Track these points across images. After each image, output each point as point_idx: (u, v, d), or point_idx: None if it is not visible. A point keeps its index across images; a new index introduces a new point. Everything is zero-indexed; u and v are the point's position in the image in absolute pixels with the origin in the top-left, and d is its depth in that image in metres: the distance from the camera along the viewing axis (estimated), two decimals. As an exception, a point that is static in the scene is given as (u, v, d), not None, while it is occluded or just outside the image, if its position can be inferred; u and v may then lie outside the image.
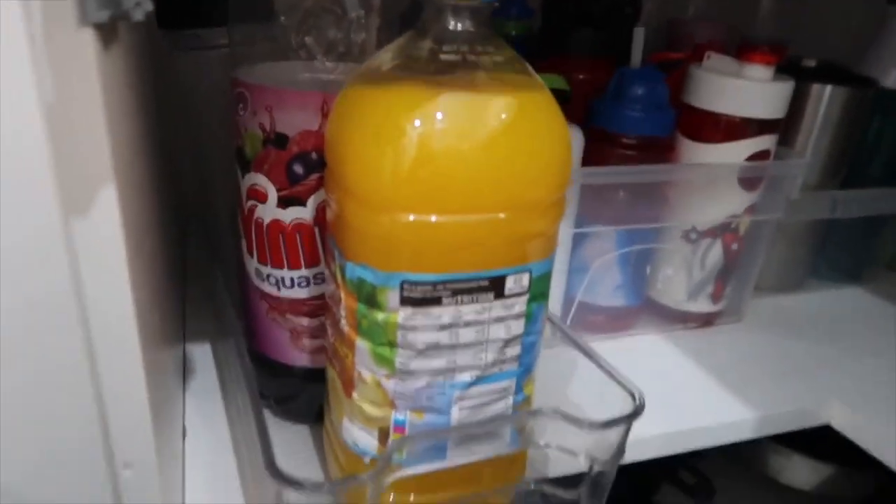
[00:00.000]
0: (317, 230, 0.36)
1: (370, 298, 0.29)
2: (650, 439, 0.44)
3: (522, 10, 0.69)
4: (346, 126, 0.29)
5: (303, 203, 0.36)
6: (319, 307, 0.38)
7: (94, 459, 0.23)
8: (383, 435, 0.31)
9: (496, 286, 0.29)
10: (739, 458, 0.78)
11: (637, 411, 0.30)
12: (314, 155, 0.35)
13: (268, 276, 0.38)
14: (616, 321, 0.54)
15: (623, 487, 0.73)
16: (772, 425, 0.48)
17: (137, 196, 0.28)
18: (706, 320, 0.57)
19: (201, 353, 0.49)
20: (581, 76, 0.56)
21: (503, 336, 0.30)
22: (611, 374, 0.32)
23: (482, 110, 0.27)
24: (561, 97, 0.51)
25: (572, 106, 0.53)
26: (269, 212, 0.37)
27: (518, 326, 0.30)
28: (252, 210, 0.38)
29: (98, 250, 0.21)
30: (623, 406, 0.31)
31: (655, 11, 0.79)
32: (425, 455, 0.30)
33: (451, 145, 0.27)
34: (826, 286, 0.67)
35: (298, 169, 0.35)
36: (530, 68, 0.29)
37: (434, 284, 0.28)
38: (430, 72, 0.28)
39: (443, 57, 0.28)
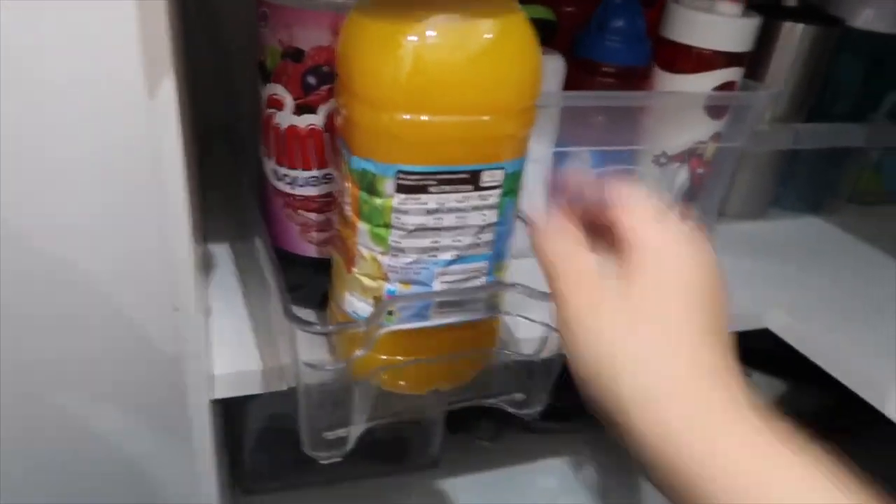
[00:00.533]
0: (327, 135, 0.42)
1: (371, 186, 0.35)
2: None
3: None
4: (355, 40, 0.34)
5: (315, 111, 0.42)
6: (326, 204, 0.44)
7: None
8: (378, 303, 0.38)
9: (474, 179, 0.35)
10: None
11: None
12: (326, 68, 0.40)
13: (284, 175, 0.44)
14: (590, 235, 0.60)
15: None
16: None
17: (181, 90, 0.34)
18: (672, 237, 0.63)
19: (220, 251, 0.55)
20: (569, 8, 0.61)
21: (479, 223, 0.36)
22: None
23: (466, 29, 0.33)
24: (547, 28, 0.56)
25: (559, 36, 0.58)
26: (286, 118, 0.42)
27: (492, 216, 0.36)
28: (271, 117, 0.43)
29: (161, 130, 0.27)
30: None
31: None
32: (410, 318, 0.37)
33: (440, 57, 0.32)
34: (788, 215, 0.73)
35: (312, 80, 0.41)
36: None
37: (423, 174, 0.34)
38: None
39: None
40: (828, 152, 0.69)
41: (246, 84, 0.46)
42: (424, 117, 0.33)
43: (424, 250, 0.36)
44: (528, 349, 0.42)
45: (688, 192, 0.61)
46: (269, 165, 0.45)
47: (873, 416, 0.48)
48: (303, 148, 0.43)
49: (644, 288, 0.29)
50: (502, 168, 0.35)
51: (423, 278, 0.37)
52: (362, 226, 0.36)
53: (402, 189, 0.35)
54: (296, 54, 0.40)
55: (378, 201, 0.35)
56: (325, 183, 0.44)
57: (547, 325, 0.39)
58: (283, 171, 0.44)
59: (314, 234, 0.45)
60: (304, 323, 0.31)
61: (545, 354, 0.40)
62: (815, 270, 0.63)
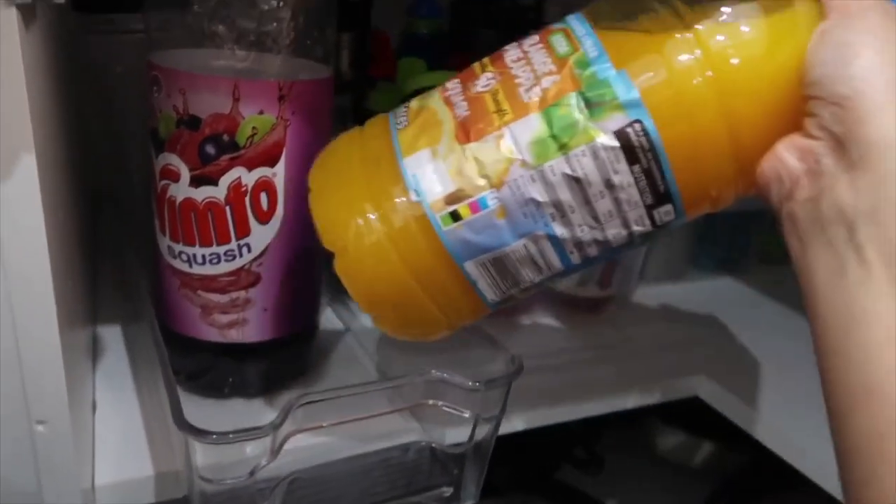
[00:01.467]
0: (228, 209, 0.38)
1: (595, 105, 0.28)
2: (540, 410, 0.48)
3: (432, 9, 0.72)
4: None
5: (214, 182, 0.38)
6: (230, 283, 0.40)
7: (8, 414, 0.25)
8: (453, 197, 0.30)
9: None
10: (632, 438, 0.84)
11: (516, 371, 0.34)
12: (225, 137, 0.37)
13: (179, 253, 0.40)
14: (514, 307, 0.58)
15: (527, 467, 0.77)
16: (648, 396, 0.53)
17: (53, 169, 0.30)
18: (595, 305, 0.62)
19: (111, 334, 0.50)
20: (484, 75, 0.60)
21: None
22: (492, 341, 0.36)
23: None
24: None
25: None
26: (181, 190, 0.38)
27: None
28: (165, 189, 0.39)
29: (18, 214, 0.23)
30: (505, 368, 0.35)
31: (559, 16, 0.84)
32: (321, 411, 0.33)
33: None
34: (706, 276, 0.74)
35: (210, 149, 0.37)
36: None
37: None
38: None
39: None
40: (739, 213, 0.71)
41: (138, 151, 0.42)
42: None
43: (547, 213, 0.29)
44: (457, 438, 0.38)
45: (609, 257, 0.60)
46: (164, 242, 0.40)
47: (795, 474, 0.49)
48: (201, 222, 0.39)
49: None
50: None
51: (521, 228, 0.30)
52: (539, 121, 0.29)
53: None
54: (192, 122, 0.37)
55: (584, 119, 0.28)
56: (228, 260, 0.40)
57: (475, 414, 0.36)
58: (179, 248, 0.40)
59: (217, 317, 0.41)
60: (199, 433, 0.27)
61: (477, 439, 0.37)
62: (734, 332, 0.63)
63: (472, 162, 0.29)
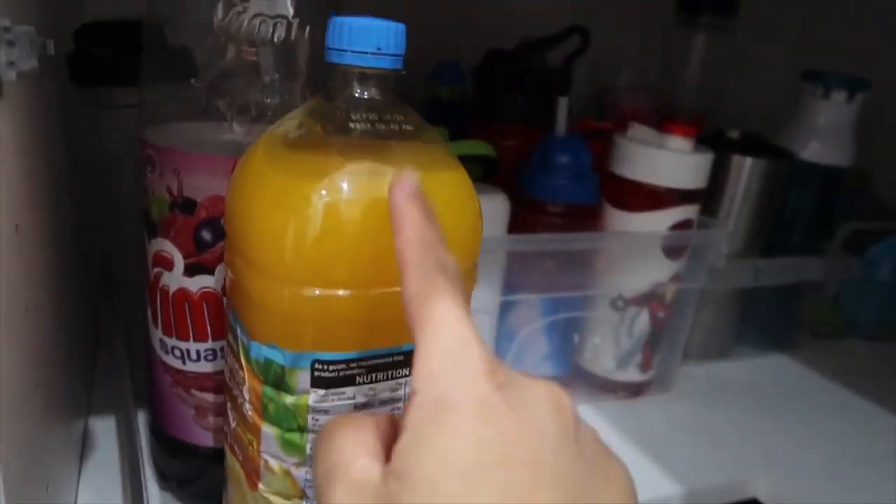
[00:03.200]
0: (225, 300, 0.34)
1: (278, 381, 0.27)
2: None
3: (455, 75, 0.69)
4: (249, 193, 0.27)
5: (210, 272, 0.34)
6: (226, 384, 0.36)
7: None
8: None
9: (411, 361, 0.28)
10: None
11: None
12: (223, 221, 0.33)
13: (172, 348, 0.36)
14: (545, 390, 0.53)
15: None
16: (700, 500, 0.47)
17: (21, 258, 0.26)
18: (635, 390, 0.56)
19: (105, 429, 0.45)
20: (511, 143, 0.57)
21: None
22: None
23: (387, 182, 0.26)
24: (489, 164, 0.52)
25: (502, 172, 0.53)
26: (175, 280, 0.35)
27: None
28: (158, 277, 0.35)
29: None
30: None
31: (588, 80, 0.81)
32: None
33: (355, 217, 0.25)
34: (752, 354, 0.68)
35: (206, 235, 0.34)
36: (439, 137, 0.29)
37: (347, 363, 0.27)
38: (337, 140, 0.27)
39: (350, 125, 0.27)
40: (787, 287, 0.65)
41: (134, 231, 0.38)
42: (342, 292, 0.26)
43: None
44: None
45: (649, 338, 0.55)
46: (156, 335, 0.37)
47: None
48: (196, 315, 0.35)
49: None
50: None
51: None
52: (268, 430, 0.28)
53: (320, 383, 0.27)
54: (187, 205, 0.33)
55: (288, 399, 0.27)
56: (224, 358, 0.35)
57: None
58: (172, 342, 0.36)
59: (211, 419, 0.37)
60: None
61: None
62: (790, 418, 0.57)
63: (273, 497, 0.29)
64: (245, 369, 0.28)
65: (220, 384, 0.36)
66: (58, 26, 0.38)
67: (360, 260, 0.26)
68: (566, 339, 0.53)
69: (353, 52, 0.25)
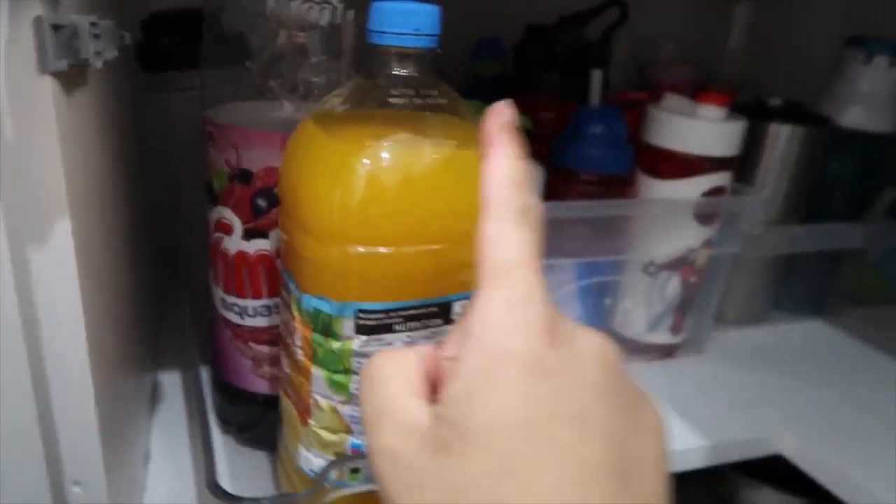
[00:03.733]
0: (279, 261, 0.38)
1: (326, 328, 0.31)
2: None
3: (496, 50, 0.71)
4: (300, 165, 0.31)
5: (266, 236, 0.38)
6: (280, 335, 0.40)
7: (39, 474, 0.24)
8: (338, 461, 0.32)
9: (444, 312, 0.31)
10: (714, 493, 0.79)
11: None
12: (276, 190, 0.37)
13: (232, 305, 0.40)
14: (579, 351, 0.56)
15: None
16: (725, 454, 0.49)
17: (100, 230, 0.30)
18: (667, 352, 0.58)
19: (172, 382, 0.50)
20: (548, 116, 0.59)
21: None
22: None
23: (424, 152, 0.29)
24: (524, 136, 0.54)
25: (538, 144, 0.55)
26: (234, 244, 0.38)
27: None
28: (219, 242, 0.39)
29: (52, 278, 0.23)
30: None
31: (628, 55, 0.82)
32: (368, 475, 0.32)
33: (395, 183, 0.29)
34: (788, 319, 0.69)
35: (262, 203, 0.37)
36: (471, 110, 0.31)
37: (387, 312, 0.30)
38: (378, 113, 0.30)
39: (390, 100, 0.30)
40: (826, 253, 0.66)
41: (195, 204, 0.42)
42: (383, 249, 0.29)
43: None
44: None
45: (681, 302, 0.57)
46: (218, 294, 0.41)
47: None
48: (253, 275, 0.39)
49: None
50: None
51: None
52: (317, 372, 0.32)
53: (363, 330, 0.30)
54: (244, 176, 0.37)
55: (335, 344, 0.31)
56: (278, 313, 0.39)
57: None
58: (232, 300, 0.40)
59: (267, 369, 0.41)
60: (232, 498, 0.26)
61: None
62: (822, 382, 0.58)
63: (322, 431, 0.33)
64: (297, 319, 0.31)
65: (275, 337, 0.40)
66: (125, 18, 0.42)
67: (399, 221, 0.29)
68: (599, 303, 0.55)
69: (392, 33, 0.28)
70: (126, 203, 0.39)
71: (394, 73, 0.30)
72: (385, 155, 0.29)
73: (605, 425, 0.19)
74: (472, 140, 0.31)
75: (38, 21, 0.22)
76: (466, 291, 0.31)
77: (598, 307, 0.55)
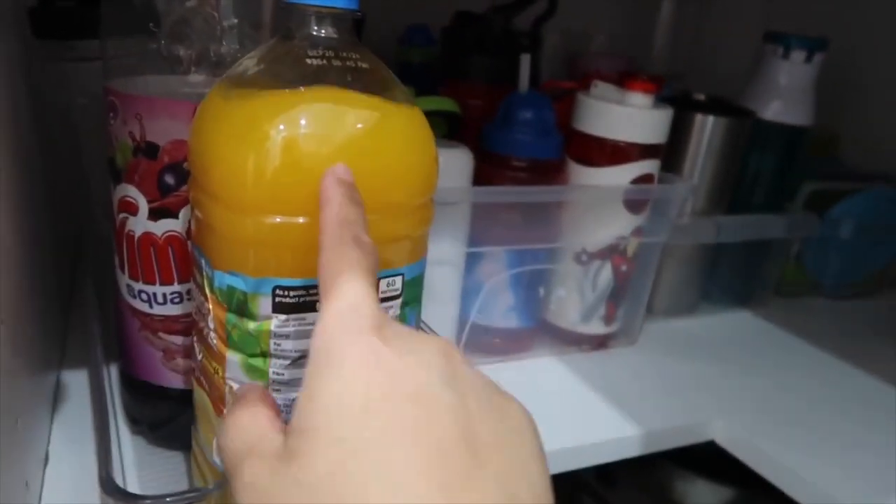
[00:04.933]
0: (190, 243, 0.35)
1: (241, 307, 0.28)
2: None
3: (425, 38, 0.70)
4: (212, 129, 0.28)
5: (175, 215, 0.35)
6: (193, 325, 0.37)
7: None
8: None
9: None
10: (647, 485, 0.79)
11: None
12: (186, 165, 0.34)
13: (139, 292, 0.37)
14: (511, 343, 0.55)
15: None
16: (659, 442, 0.49)
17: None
18: (600, 342, 0.58)
19: (77, 380, 0.46)
20: (477, 102, 0.58)
21: None
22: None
23: (344, 116, 0.27)
24: (453, 120, 0.53)
25: (466, 129, 0.54)
26: (140, 224, 0.36)
27: None
28: (123, 223, 0.36)
29: None
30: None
31: (558, 47, 0.82)
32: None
33: (314, 149, 0.26)
34: (716, 310, 0.70)
35: (170, 179, 0.34)
36: (395, 78, 0.30)
37: (307, 289, 0.28)
38: (295, 77, 0.28)
39: (308, 61, 0.28)
40: (751, 244, 0.67)
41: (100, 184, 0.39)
42: (301, 219, 0.27)
43: None
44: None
45: (613, 291, 0.56)
46: (123, 280, 0.37)
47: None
48: (161, 259, 0.36)
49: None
50: (400, 274, 0.29)
51: None
52: (232, 356, 0.29)
53: (281, 308, 0.28)
54: (150, 150, 0.34)
55: (251, 325, 0.28)
56: (191, 300, 0.36)
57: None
58: (139, 286, 0.37)
59: (180, 361, 0.38)
60: (129, 496, 0.24)
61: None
62: (752, 370, 0.59)
63: None
64: (210, 300, 0.29)
65: (187, 327, 0.37)
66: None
67: (317, 190, 0.27)
68: (532, 292, 0.54)
69: None
70: (19, 183, 0.35)
71: (313, 33, 0.28)
72: (302, 118, 0.27)
73: (449, 405, 0.19)
74: (396, 106, 0.29)
75: None
76: (392, 268, 0.29)
77: (530, 297, 0.54)
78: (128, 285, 0.37)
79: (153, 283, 0.36)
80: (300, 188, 0.27)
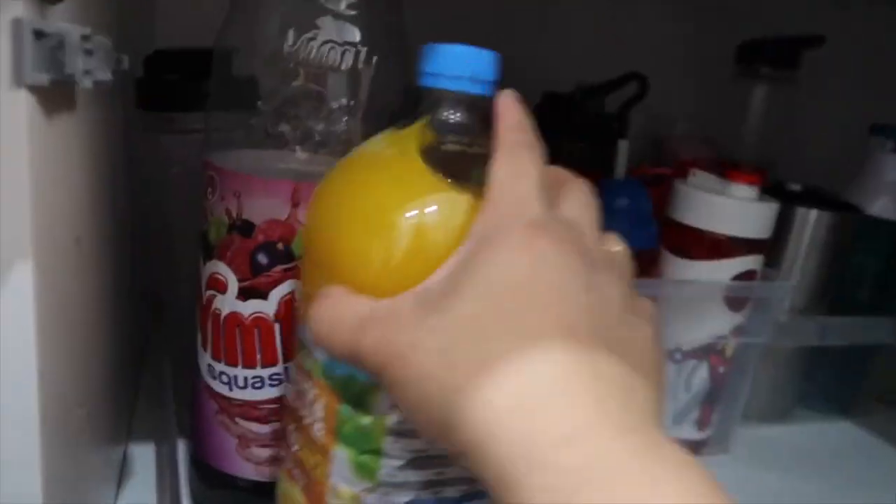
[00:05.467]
0: (277, 326, 0.34)
1: (358, 399, 0.26)
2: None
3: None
4: (338, 210, 0.27)
5: (264, 296, 0.33)
6: (272, 412, 0.35)
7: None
8: None
9: None
10: None
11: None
12: (280, 245, 0.33)
13: (220, 373, 0.35)
14: (595, 443, 0.51)
15: None
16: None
17: (73, 279, 0.26)
18: (692, 449, 0.53)
19: (145, 456, 0.45)
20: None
21: None
22: None
23: (478, 205, 0.26)
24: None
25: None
26: (227, 303, 0.34)
27: None
28: (210, 300, 0.35)
29: (2, 336, 0.19)
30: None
31: (643, 129, 0.80)
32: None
33: (443, 238, 0.24)
34: (814, 417, 0.64)
35: (263, 259, 0.33)
36: None
37: None
38: (428, 162, 0.26)
39: (443, 147, 0.26)
40: (854, 348, 0.62)
41: (186, 257, 0.38)
42: None
43: (426, 485, 0.27)
44: None
45: (708, 393, 0.52)
46: (204, 359, 0.36)
47: None
48: (246, 340, 0.34)
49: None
50: None
51: None
52: (341, 451, 0.27)
53: None
54: (245, 228, 0.33)
55: (367, 419, 0.26)
56: (273, 385, 0.35)
57: None
58: (220, 367, 0.35)
59: (255, 451, 0.36)
60: None
61: None
62: (850, 487, 0.53)
63: None
64: (319, 387, 0.27)
65: (267, 414, 0.35)
66: (130, 52, 0.39)
67: None
68: (620, 390, 0.51)
69: (448, 76, 0.26)
70: (109, 249, 0.35)
71: (449, 119, 0.27)
72: (432, 207, 0.25)
73: (590, 292, 0.22)
74: None
75: (16, 24, 0.18)
76: None
77: (618, 394, 0.50)
78: (209, 365, 0.36)
79: (235, 366, 0.35)
80: (422, 275, 0.25)
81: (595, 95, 0.65)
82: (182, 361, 0.40)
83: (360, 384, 0.26)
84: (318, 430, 0.27)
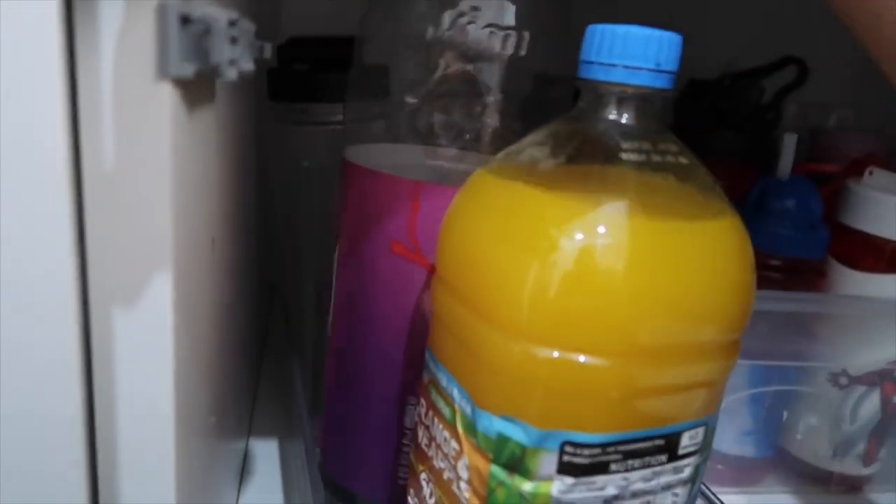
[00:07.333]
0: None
1: (515, 462, 0.22)
2: None
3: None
4: (478, 227, 0.23)
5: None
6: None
7: None
8: None
9: (671, 445, 0.22)
10: None
11: None
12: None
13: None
14: (741, 473, 0.46)
15: None
16: None
17: (208, 285, 0.24)
18: (853, 485, 0.47)
19: (266, 451, 0.44)
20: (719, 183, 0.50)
21: None
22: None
23: (661, 228, 0.21)
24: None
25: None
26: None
27: (684, 493, 0.23)
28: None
29: (140, 348, 0.17)
30: None
31: (795, 119, 0.73)
32: None
33: (614, 266, 0.20)
34: None
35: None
36: (711, 176, 0.24)
37: (604, 447, 0.22)
38: (596, 172, 0.23)
39: (622, 156, 0.22)
40: None
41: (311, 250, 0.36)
42: (600, 361, 0.21)
43: None
44: None
45: (878, 425, 0.46)
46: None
47: None
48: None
49: None
50: (705, 424, 0.23)
51: None
52: None
53: (570, 469, 0.22)
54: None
55: (527, 486, 0.22)
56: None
57: None
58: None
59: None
60: None
61: None
62: None
63: None
64: (464, 442, 0.23)
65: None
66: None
67: (619, 318, 0.21)
68: (774, 416, 0.45)
69: (625, 67, 0.21)
70: (241, 248, 0.33)
71: (621, 120, 0.23)
72: (603, 228, 0.21)
73: None
74: (723, 220, 0.23)
75: (161, 10, 0.16)
76: (698, 418, 0.23)
77: (772, 421, 0.45)
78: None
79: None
80: (597, 316, 0.20)
81: (745, 82, 0.59)
82: (308, 364, 0.39)
83: (518, 446, 0.22)
84: (463, 491, 0.24)
